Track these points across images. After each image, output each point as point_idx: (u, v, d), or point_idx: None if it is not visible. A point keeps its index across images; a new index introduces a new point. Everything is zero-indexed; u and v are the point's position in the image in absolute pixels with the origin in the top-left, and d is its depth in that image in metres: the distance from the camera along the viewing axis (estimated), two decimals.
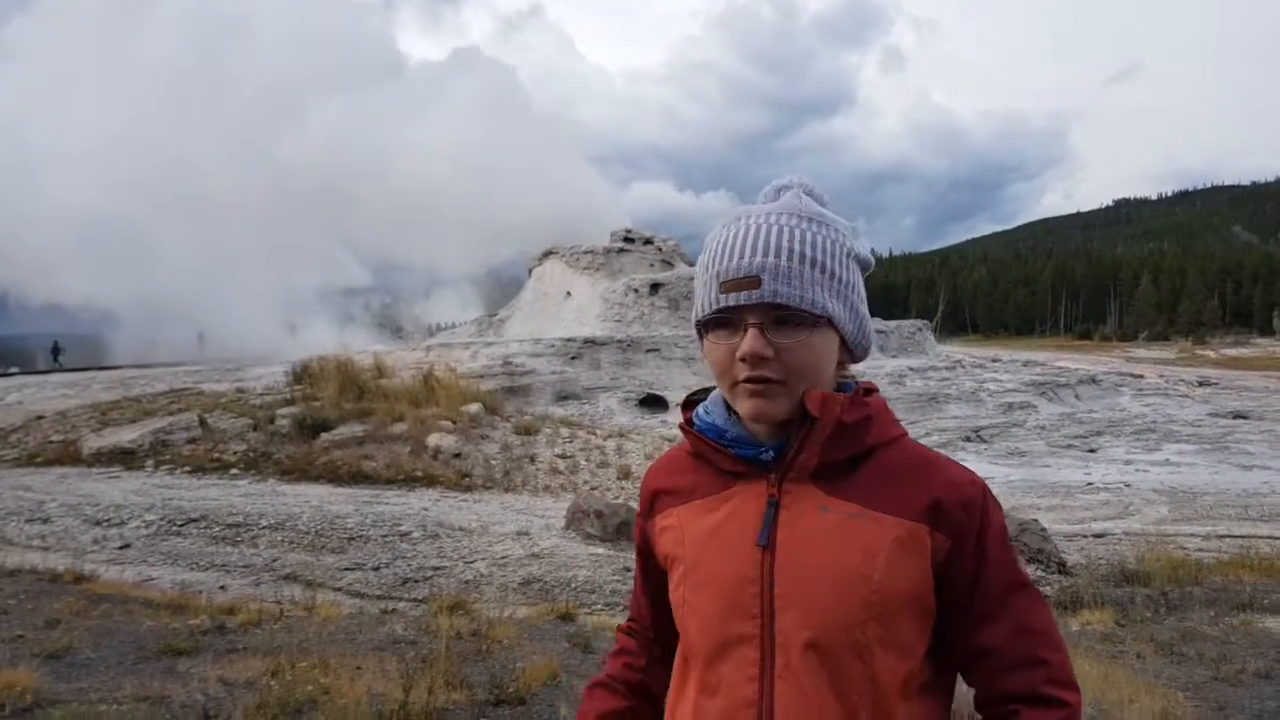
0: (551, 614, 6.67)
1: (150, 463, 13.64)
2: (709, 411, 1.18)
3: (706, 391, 1.23)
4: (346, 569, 8.75)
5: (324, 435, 14.01)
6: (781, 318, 1.06)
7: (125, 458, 13.85)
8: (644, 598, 1.33)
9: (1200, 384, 37.44)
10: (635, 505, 11.39)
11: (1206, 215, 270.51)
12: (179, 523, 10.12)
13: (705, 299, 1.11)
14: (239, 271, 42.95)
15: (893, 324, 37.53)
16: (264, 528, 9.84)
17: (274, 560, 8.95)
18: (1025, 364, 37.34)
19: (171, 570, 8.73)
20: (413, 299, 48.16)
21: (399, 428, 14.29)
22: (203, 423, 14.82)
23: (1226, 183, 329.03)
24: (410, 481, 12.96)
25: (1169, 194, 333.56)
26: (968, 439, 24.08)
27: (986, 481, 1.14)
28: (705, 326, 1.12)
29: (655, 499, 1.25)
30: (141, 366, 30.37)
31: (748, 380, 1.07)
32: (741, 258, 1.07)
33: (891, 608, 1.05)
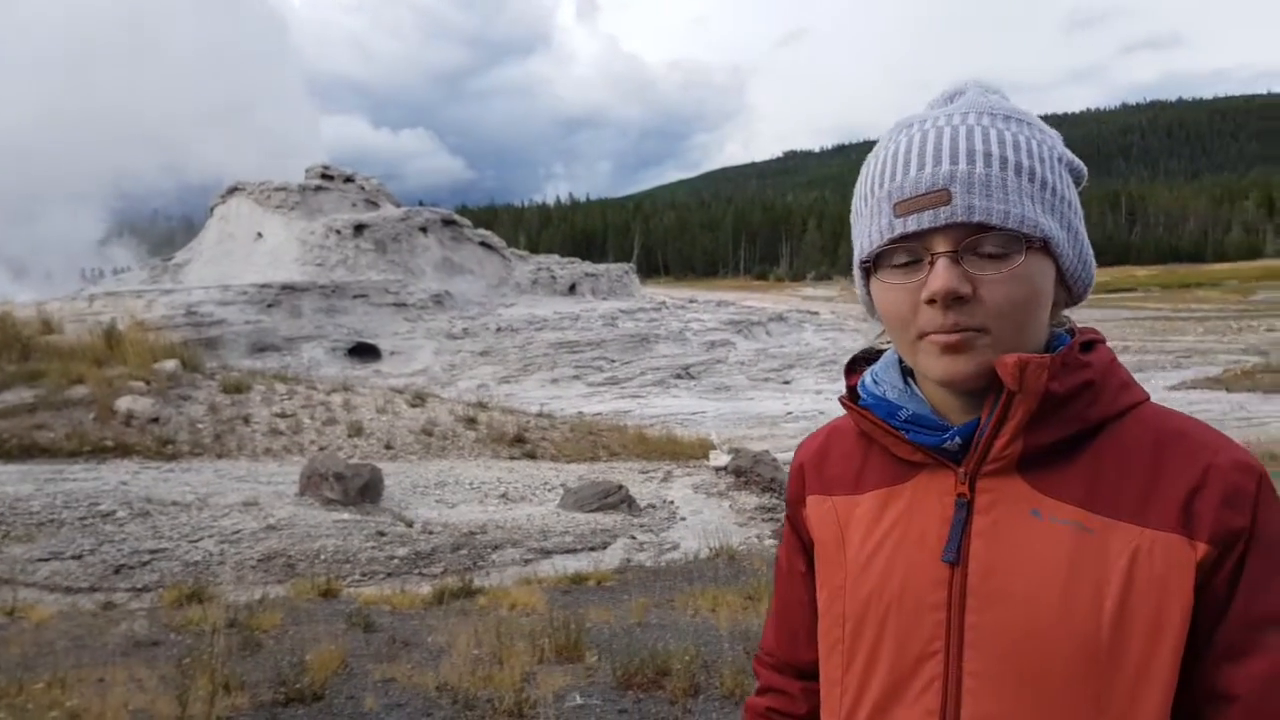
0: (312, 591, 6.22)
1: None
2: (879, 380, 0.91)
3: (875, 353, 0.97)
4: (41, 559, 7.54)
5: None
6: (981, 242, 0.78)
7: None
8: (806, 615, 1.00)
9: (865, 319, 42.80)
10: (378, 465, 10.81)
11: (859, 167, 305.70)
12: None
13: (872, 228, 0.83)
14: None
15: (601, 267, 38.77)
16: None
17: None
18: (719, 304, 40.32)
19: None
20: (47, 241, 40.44)
21: (79, 391, 12.43)
22: None
23: (874, 138, 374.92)
24: (99, 452, 11.36)
25: (829, 147, 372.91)
26: (678, 376, 25.65)
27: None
28: (874, 264, 0.84)
29: (804, 483, 0.98)
30: None
31: (938, 330, 0.79)
32: (922, 168, 0.80)
33: (1130, 659, 0.75)
